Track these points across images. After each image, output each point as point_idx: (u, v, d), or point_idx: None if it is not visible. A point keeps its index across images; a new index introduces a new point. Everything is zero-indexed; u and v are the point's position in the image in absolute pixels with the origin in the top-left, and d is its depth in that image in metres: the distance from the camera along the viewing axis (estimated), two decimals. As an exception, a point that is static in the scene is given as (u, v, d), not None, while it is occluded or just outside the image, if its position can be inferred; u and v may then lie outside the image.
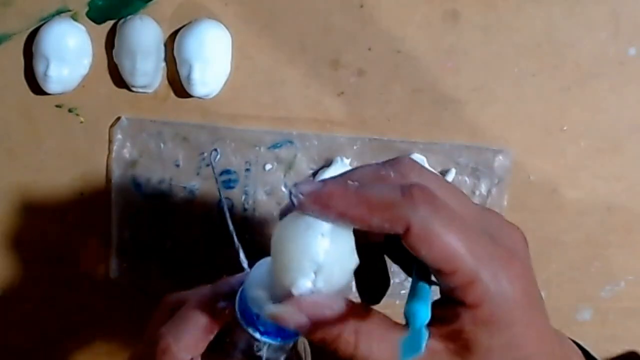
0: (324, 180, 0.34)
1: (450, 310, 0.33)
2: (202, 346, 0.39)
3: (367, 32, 0.55)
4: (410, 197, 0.32)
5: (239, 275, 0.41)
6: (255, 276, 0.37)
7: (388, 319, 0.35)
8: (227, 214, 0.43)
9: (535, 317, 0.34)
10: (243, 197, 0.56)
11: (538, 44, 0.55)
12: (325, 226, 0.34)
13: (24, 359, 0.59)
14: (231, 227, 0.43)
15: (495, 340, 0.33)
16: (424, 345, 0.30)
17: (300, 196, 0.33)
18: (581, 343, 0.40)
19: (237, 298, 0.38)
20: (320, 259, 0.34)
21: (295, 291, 0.35)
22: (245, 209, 0.56)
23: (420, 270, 0.35)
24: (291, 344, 0.39)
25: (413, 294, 0.33)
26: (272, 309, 0.34)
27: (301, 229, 0.35)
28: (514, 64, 0.55)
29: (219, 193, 0.47)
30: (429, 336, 0.31)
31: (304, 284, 0.35)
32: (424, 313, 0.32)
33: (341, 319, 0.34)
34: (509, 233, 0.36)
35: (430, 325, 0.31)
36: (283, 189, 0.56)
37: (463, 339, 0.33)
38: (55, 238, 0.57)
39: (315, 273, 0.35)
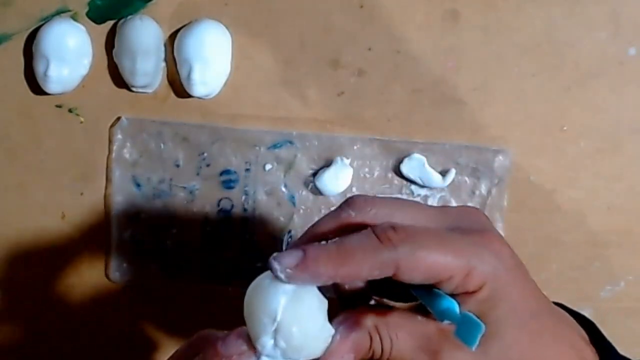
0: (300, 248, 0.35)
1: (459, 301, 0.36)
2: None
3: (367, 32, 0.55)
4: (388, 240, 0.35)
5: None
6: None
7: (406, 310, 0.37)
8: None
9: (520, 280, 0.38)
10: (243, 197, 0.56)
11: (538, 44, 0.55)
12: (288, 285, 0.35)
13: (24, 359, 0.59)
14: None
15: (500, 311, 0.36)
16: (479, 321, 0.34)
17: (288, 271, 0.35)
18: (590, 319, 0.41)
19: None
20: (278, 317, 0.35)
21: (259, 349, 0.35)
22: (245, 209, 0.56)
23: (418, 287, 0.37)
24: None
25: (431, 302, 0.36)
26: None
27: (265, 285, 0.35)
28: (514, 64, 0.55)
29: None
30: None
31: (266, 342, 0.35)
32: (453, 304, 0.35)
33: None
34: (469, 217, 0.39)
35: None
36: (283, 189, 0.56)
37: None
38: (55, 238, 0.57)
39: (275, 332, 0.35)
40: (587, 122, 0.55)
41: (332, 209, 0.39)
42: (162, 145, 0.56)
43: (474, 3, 0.54)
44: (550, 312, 0.39)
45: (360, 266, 0.35)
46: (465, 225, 0.38)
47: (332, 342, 0.36)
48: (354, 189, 0.56)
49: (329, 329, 0.36)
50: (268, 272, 0.36)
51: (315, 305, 0.36)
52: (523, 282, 0.37)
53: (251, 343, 0.36)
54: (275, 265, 0.35)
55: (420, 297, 0.37)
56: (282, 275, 0.35)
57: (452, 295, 0.36)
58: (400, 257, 0.34)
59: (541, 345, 0.37)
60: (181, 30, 0.54)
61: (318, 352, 0.36)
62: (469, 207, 0.41)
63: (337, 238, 0.36)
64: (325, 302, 0.36)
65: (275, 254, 0.35)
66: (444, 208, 0.40)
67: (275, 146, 0.56)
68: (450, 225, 0.38)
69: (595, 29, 0.54)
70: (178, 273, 0.57)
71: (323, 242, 0.36)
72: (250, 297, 0.36)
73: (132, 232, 0.57)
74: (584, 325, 0.41)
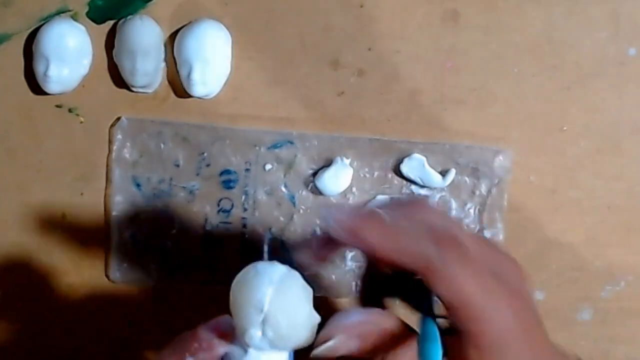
0: (357, 209, 0.36)
1: (456, 339, 0.36)
2: None
3: (367, 32, 0.55)
4: (438, 242, 0.35)
5: None
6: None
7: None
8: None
9: (532, 343, 0.37)
10: (243, 197, 0.56)
11: (538, 44, 0.55)
12: (274, 274, 0.35)
13: (24, 359, 0.59)
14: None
15: None
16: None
17: (332, 222, 0.35)
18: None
19: None
20: (265, 307, 0.35)
21: (248, 340, 0.35)
22: (245, 209, 0.56)
23: (428, 302, 0.37)
24: None
25: (424, 336, 0.36)
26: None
27: (250, 277, 0.36)
28: (514, 64, 0.55)
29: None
30: None
31: (254, 333, 0.35)
32: (437, 352, 0.35)
33: None
34: (511, 271, 0.39)
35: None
36: (283, 189, 0.56)
37: None
38: (55, 238, 0.57)
39: (263, 322, 0.35)
40: (587, 122, 0.55)
41: (400, 198, 0.39)
42: (162, 145, 0.56)
43: (474, 3, 0.54)
44: None
45: (401, 250, 0.35)
46: (503, 276, 0.37)
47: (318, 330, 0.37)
48: (354, 189, 0.56)
49: (316, 317, 0.37)
50: (252, 264, 0.36)
51: (301, 293, 0.36)
52: (526, 346, 0.37)
53: (229, 330, 0.36)
54: (326, 213, 0.35)
55: (421, 316, 0.37)
56: (327, 226, 0.35)
57: (454, 327, 0.36)
58: (438, 261, 0.35)
59: None
60: (181, 30, 0.54)
61: (305, 341, 0.37)
62: (515, 262, 0.40)
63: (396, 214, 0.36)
64: (311, 290, 0.37)
65: (330, 207, 0.36)
66: (496, 250, 0.40)
67: (275, 146, 0.56)
68: (492, 267, 0.37)
69: (595, 29, 0.54)
70: (178, 273, 0.57)
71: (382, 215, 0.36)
72: (236, 289, 0.36)
73: (132, 232, 0.57)
74: None
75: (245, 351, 0.36)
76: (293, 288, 0.36)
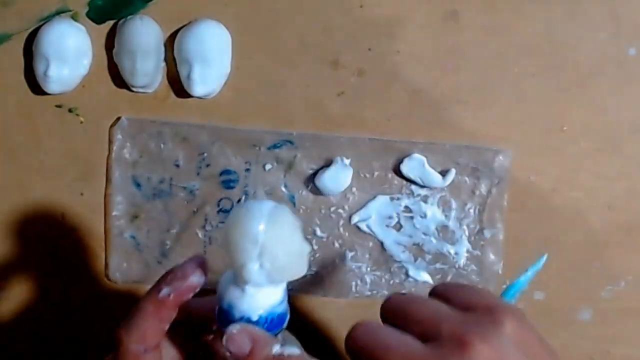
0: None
1: None
2: (153, 336, 0.39)
3: (367, 32, 0.55)
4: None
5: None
6: (227, 276, 0.38)
7: None
8: None
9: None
10: (243, 197, 0.56)
11: (538, 44, 0.55)
12: (263, 209, 0.36)
13: (24, 359, 0.59)
14: None
15: None
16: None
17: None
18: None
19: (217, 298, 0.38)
20: (260, 240, 0.35)
21: (246, 276, 0.36)
22: (245, 209, 0.56)
23: None
24: None
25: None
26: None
27: (242, 215, 0.36)
28: (514, 64, 0.55)
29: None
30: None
31: (252, 267, 0.36)
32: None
33: None
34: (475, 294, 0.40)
35: None
36: (283, 189, 0.56)
37: None
38: (55, 238, 0.57)
39: (259, 255, 0.36)
40: (587, 122, 0.55)
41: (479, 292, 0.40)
42: (162, 145, 0.56)
43: (474, 3, 0.54)
44: None
45: None
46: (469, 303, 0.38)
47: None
48: (354, 189, 0.56)
49: (307, 246, 0.37)
50: (241, 203, 0.36)
51: (292, 223, 0.37)
52: None
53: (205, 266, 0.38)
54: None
55: None
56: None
57: None
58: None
59: None
60: (181, 30, 0.54)
61: (300, 270, 0.37)
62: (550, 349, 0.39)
63: None
64: (299, 221, 0.37)
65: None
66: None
67: (275, 146, 0.56)
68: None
69: (595, 29, 0.54)
70: (178, 273, 0.57)
71: None
72: (229, 228, 0.36)
73: (132, 232, 0.57)
74: None
75: (243, 290, 0.36)
76: (284, 219, 0.36)
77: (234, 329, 0.37)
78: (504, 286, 0.53)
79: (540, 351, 0.37)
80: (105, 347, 0.58)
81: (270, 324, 0.37)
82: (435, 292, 0.40)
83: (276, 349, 0.37)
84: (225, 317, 0.37)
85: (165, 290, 0.38)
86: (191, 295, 0.39)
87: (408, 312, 0.38)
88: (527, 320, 0.38)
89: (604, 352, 0.57)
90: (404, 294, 0.41)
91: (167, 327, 0.39)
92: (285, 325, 0.38)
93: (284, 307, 0.38)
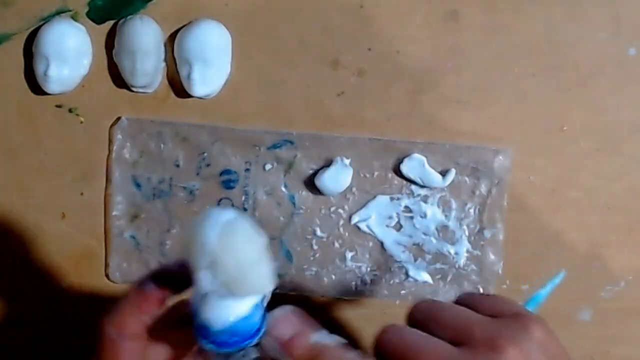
0: None
1: None
2: (132, 324, 0.39)
3: (367, 32, 0.55)
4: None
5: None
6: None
7: None
8: None
9: None
10: (243, 197, 0.56)
11: (538, 44, 0.55)
12: (220, 218, 0.36)
13: (24, 359, 0.59)
14: None
15: None
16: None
17: None
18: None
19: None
20: (210, 248, 0.35)
21: (199, 283, 0.35)
22: (245, 209, 0.56)
23: None
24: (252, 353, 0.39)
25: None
26: None
27: (199, 221, 0.36)
28: (514, 64, 0.55)
29: None
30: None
31: (204, 276, 0.35)
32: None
33: None
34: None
35: None
36: (283, 189, 0.56)
37: None
38: (55, 238, 0.57)
39: (211, 265, 0.35)
40: (587, 122, 0.55)
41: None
42: (162, 145, 0.56)
43: (474, 3, 0.54)
44: None
45: None
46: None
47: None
48: (354, 189, 0.56)
49: (267, 262, 0.36)
50: (204, 209, 0.36)
51: (248, 236, 0.36)
52: None
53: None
54: None
55: None
56: None
57: None
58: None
59: None
60: (181, 30, 0.54)
61: (261, 287, 0.37)
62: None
63: None
64: (262, 236, 0.37)
65: None
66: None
67: (275, 146, 0.56)
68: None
69: (595, 29, 0.54)
70: (178, 273, 0.57)
71: None
72: (187, 234, 0.36)
73: (132, 232, 0.57)
74: None
75: (203, 298, 0.36)
76: (241, 231, 0.36)
77: (278, 313, 0.37)
78: (504, 286, 0.54)
79: (563, 358, 0.39)
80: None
81: (233, 336, 0.37)
82: (461, 301, 0.41)
83: (315, 337, 0.38)
84: (193, 322, 0.37)
85: (150, 285, 0.38)
86: (174, 294, 0.38)
87: (439, 317, 0.39)
88: (551, 329, 0.40)
89: (604, 352, 0.57)
90: (432, 300, 0.42)
91: (148, 320, 0.39)
92: (255, 341, 0.37)
93: (252, 323, 0.37)
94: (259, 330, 0.37)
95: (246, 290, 0.36)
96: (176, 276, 0.38)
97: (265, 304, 0.38)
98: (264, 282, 0.37)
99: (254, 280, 0.36)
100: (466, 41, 0.55)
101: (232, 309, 0.36)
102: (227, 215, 0.36)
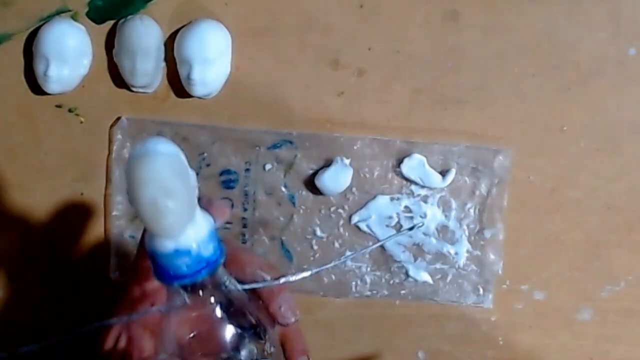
0: None
1: None
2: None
3: (367, 32, 0.55)
4: None
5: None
6: None
7: None
8: None
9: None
10: (243, 197, 0.56)
11: (538, 44, 0.55)
12: (144, 147, 0.33)
13: (25, 359, 0.59)
14: None
15: None
16: None
17: None
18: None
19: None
20: (128, 180, 0.33)
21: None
22: (245, 209, 0.56)
23: None
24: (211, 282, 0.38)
25: None
26: None
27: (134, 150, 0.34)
28: (514, 64, 0.55)
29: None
30: None
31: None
32: None
33: None
34: None
35: None
36: (283, 189, 0.56)
37: None
38: (55, 238, 0.57)
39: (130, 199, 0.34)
40: (587, 122, 0.55)
41: None
42: (162, 145, 0.56)
43: (474, 3, 0.54)
44: None
45: None
46: None
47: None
48: (354, 189, 0.56)
49: (186, 212, 0.35)
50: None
51: (158, 175, 0.33)
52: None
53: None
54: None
55: None
56: None
57: None
58: None
59: None
60: (181, 30, 0.54)
61: (169, 233, 0.35)
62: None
63: None
64: (183, 180, 0.34)
65: None
66: None
67: (275, 146, 0.56)
68: None
69: (595, 29, 0.54)
70: (178, 273, 0.57)
71: None
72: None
73: (132, 232, 0.57)
74: None
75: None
76: (149, 166, 0.33)
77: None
78: (504, 286, 0.53)
79: None
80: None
81: (182, 268, 0.35)
82: None
83: None
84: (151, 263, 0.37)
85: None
86: None
87: None
88: None
89: (604, 352, 0.57)
90: None
91: None
92: (203, 274, 0.36)
93: (198, 254, 0.36)
94: (208, 261, 0.36)
95: (155, 228, 0.34)
96: None
97: (215, 237, 0.36)
98: (172, 225, 0.34)
99: (160, 222, 0.34)
100: (466, 41, 0.55)
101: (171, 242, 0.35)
102: (150, 146, 0.33)
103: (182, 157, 0.34)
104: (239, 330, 0.38)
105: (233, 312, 0.38)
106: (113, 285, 0.57)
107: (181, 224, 0.35)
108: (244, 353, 0.38)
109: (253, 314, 0.39)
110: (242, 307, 0.39)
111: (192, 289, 0.37)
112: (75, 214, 0.57)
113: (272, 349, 0.39)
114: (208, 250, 0.36)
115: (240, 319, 0.38)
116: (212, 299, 0.38)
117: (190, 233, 0.36)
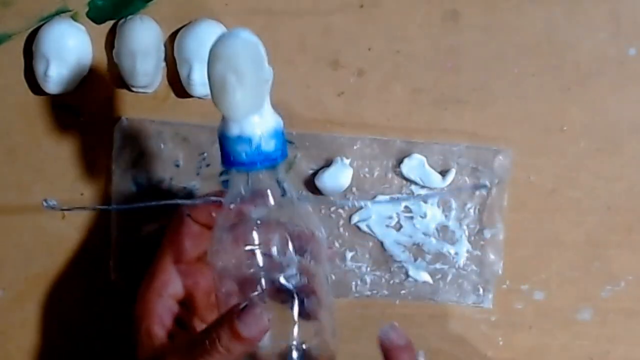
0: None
1: None
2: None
3: (367, 32, 0.55)
4: None
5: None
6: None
7: None
8: None
9: None
10: (243, 197, 0.56)
11: (538, 44, 0.55)
12: (228, 34, 0.39)
13: (24, 359, 0.59)
14: None
15: None
16: None
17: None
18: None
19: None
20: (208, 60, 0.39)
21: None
22: (245, 209, 0.56)
23: None
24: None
25: None
26: None
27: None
28: (514, 64, 0.55)
29: None
30: None
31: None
32: None
33: None
34: None
35: None
36: (283, 189, 0.56)
37: None
38: (55, 238, 0.57)
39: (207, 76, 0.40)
40: (587, 122, 0.55)
41: None
42: (162, 145, 0.56)
43: (474, 3, 0.54)
44: None
45: None
46: None
47: None
48: (354, 189, 0.56)
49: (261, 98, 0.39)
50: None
51: (236, 56, 0.39)
52: None
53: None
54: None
55: None
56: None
57: None
58: None
59: None
60: (181, 30, 0.54)
61: (238, 114, 0.39)
62: None
63: None
64: (262, 66, 0.39)
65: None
66: None
67: (275, 146, 0.56)
68: None
69: (595, 29, 0.54)
70: (178, 273, 0.57)
71: None
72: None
73: (132, 232, 0.57)
74: None
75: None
76: (229, 47, 0.38)
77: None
78: (504, 286, 0.53)
79: None
80: (105, 346, 0.58)
81: (242, 156, 0.38)
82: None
83: None
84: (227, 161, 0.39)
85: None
86: None
87: None
88: None
89: (604, 352, 0.57)
90: None
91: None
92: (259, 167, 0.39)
93: (260, 145, 0.38)
94: (268, 156, 0.38)
95: (220, 104, 0.37)
96: None
97: (281, 136, 0.39)
98: (236, 105, 0.37)
99: (225, 98, 0.37)
100: (466, 41, 0.55)
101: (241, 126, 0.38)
102: (234, 31, 0.37)
103: (261, 48, 0.38)
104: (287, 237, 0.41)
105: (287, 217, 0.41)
106: (113, 286, 0.57)
107: (245, 108, 0.38)
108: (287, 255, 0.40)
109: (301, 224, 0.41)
110: (294, 216, 0.41)
111: (253, 183, 0.39)
112: (75, 214, 0.57)
113: (312, 263, 0.41)
114: (269, 146, 0.38)
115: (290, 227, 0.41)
116: (271, 199, 0.39)
117: (254, 122, 0.38)
